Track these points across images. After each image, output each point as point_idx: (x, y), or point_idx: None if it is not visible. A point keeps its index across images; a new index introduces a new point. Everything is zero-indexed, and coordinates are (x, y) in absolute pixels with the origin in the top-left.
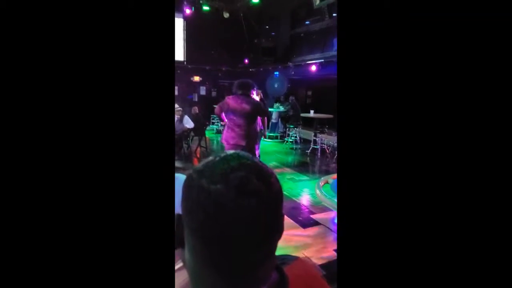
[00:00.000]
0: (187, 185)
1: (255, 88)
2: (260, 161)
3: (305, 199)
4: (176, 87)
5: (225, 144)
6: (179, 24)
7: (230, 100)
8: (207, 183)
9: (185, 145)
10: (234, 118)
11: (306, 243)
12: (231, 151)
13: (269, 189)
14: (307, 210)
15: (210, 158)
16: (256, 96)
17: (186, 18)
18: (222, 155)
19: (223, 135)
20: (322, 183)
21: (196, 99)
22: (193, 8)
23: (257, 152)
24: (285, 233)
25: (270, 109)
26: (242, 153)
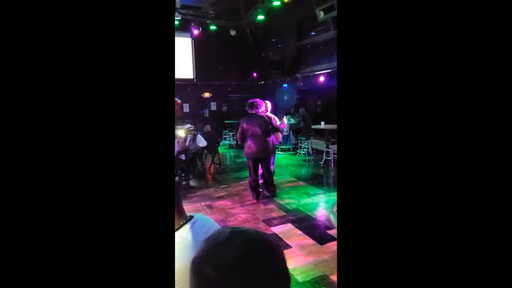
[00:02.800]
0: (200, 278)
1: (262, 105)
2: (262, 233)
3: (320, 214)
4: (187, 104)
5: (246, 157)
6: (187, 44)
7: (244, 123)
8: (217, 275)
9: (199, 163)
10: (250, 135)
11: (325, 259)
12: (228, 230)
13: (278, 259)
14: (323, 225)
15: (211, 243)
16: (269, 113)
17: (194, 38)
18: (222, 236)
19: (244, 150)
20: (336, 208)
21: (207, 115)
22: (200, 28)
23: (272, 167)
24: (303, 249)
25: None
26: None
